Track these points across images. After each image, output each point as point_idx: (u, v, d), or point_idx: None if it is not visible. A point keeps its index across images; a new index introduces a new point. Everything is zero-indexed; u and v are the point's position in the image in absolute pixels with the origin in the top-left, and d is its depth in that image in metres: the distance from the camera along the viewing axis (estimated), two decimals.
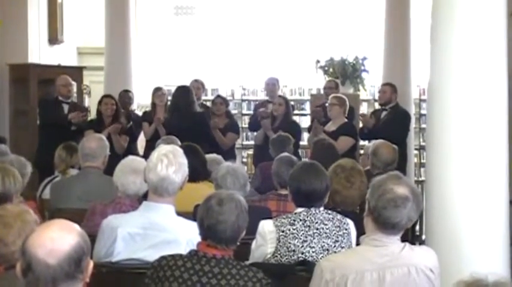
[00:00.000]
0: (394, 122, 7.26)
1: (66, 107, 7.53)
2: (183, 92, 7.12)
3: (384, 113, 7.49)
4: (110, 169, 4.62)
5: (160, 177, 3.17)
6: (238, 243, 2.78)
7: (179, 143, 5.12)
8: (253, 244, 3.36)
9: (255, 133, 7.83)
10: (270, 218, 3.51)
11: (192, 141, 5.07)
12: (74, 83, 8.40)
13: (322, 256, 3.16)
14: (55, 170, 5.33)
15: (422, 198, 5.12)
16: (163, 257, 2.74)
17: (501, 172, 4.14)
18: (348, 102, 7.02)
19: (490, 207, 4.09)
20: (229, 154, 7.35)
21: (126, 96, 8.12)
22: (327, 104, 7.15)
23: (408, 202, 2.58)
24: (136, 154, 6.87)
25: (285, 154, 4.68)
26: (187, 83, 7.88)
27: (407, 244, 2.69)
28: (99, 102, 7.29)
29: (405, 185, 2.63)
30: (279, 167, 4.32)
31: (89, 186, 4.46)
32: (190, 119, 6.88)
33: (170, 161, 3.18)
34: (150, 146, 6.51)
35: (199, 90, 7.97)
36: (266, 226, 3.31)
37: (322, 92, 8.56)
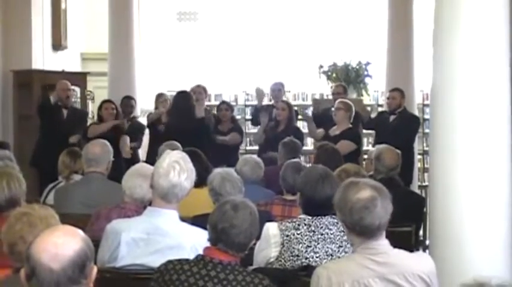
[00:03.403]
0: (404, 127, 7.28)
1: (65, 112, 7.59)
2: (183, 96, 7.21)
3: (392, 117, 7.48)
4: (112, 174, 4.66)
5: (172, 183, 3.16)
6: (246, 252, 2.79)
7: (181, 148, 5.13)
8: (257, 246, 3.34)
9: (255, 131, 7.96)
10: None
11: (193, 144, 5.12)
12: (74, 89, 8.44)
13: (326, 261, 3.16)
14: (58, 175, 5.34)
15: (426, 203, 5.15)
16: (169, 261, 2.75)
17: (505, 176, 4.13)
18: (353, 108, 7.03)
19: (494, 212, 4.08)
20: (233, 158, 7.39)
21: (128, 104, 8.13)
22: (333, 109, 7.17)
23: (376, 200, 2.59)
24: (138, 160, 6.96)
25: (294, 159, 4.68)
26: (189, 88, 7.92)
27: (401, 250, 2.69)
28: (99, 108, 7.43)
29: (365, 186, 2.63)
30: (285, 173, 4.32)
31: (93, 191, 4.46)
32: (191, 123, 6.94)
33: (182, 167, 3.18)
34: (153, 152, 6.54)
35: (201, 95, 8.00)
36: (271, 229, 3.29)
37: (330, 97, 8.56)
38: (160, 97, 8.03)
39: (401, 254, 2.67)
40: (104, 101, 7.60)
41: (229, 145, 7.54)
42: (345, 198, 2.64)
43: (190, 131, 6.72)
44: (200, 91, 8.02)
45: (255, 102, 12.01)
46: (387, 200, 2.62)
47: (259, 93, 8.34)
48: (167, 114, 7.44)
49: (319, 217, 3.28)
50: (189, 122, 6.97)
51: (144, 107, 10.09)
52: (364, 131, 8.31)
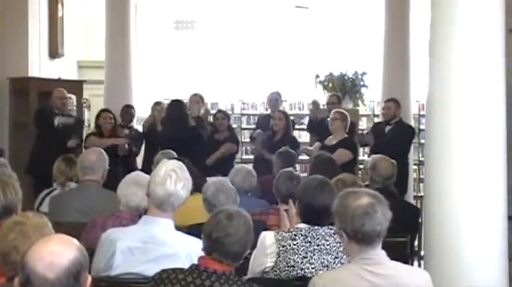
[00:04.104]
0: (400, 138, 7.30)
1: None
2: (176, 105, 7.23)
3: (388, 127, 7.50)
4: (108, 182, 4.65)
5: (168, 192, 3.16)
6: (241, 261, 2.78)
7: (176, 156, 5.13)
8: (253, 255, 3.32)
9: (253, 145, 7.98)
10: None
11: (187, 153, 5.13)
12: (71, 97, 8.45)
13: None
14: (53, 181, 5.32)
15: (421, 213, 5.15)
16: (164, 271, 2.74)
17: (500, 185, 4.14)
18: (349, 118, 7.05)
19: (489, 222, 4.09)
20: (229, 167, 7.40)
21: (128, 112, 8.15)
22: (328, 119, 7.19)
23: (376, 206, 2.60)
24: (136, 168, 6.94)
25: (287, 169, 4.68)
26: (187, 97, 7.94)
27: (399, 263, 2.69)
28: (97, 117, 7.41)
29: (363, 194, 2.65)
30: (278, 182, 4.32)
31: (88, 200, 4.44)
32: (184, 132, 6.95)
33: (178, 176, 3.18)
34: (149, 160, 6.54)
35: (198, 104, 8.01)
36: (268, 239, 3.28)
37: (325, 107, 8.59)
38: (157, 105, 8.05)
39: (398, 266, 2.66)
40: (102, 111, 7.59)
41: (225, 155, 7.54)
42: (345, 205, 2.64)
43: (184, 140, 6.72)
44: (197, 100, 8.03)
45: (250, 111, 12.10)
46: (385, 207, 2.64)
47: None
48: (160, 123, 7.45)
49: (316, 228, 3.27)
50: (183, 131, 6.97)
51: (140, 115, 10.09)
52: None
